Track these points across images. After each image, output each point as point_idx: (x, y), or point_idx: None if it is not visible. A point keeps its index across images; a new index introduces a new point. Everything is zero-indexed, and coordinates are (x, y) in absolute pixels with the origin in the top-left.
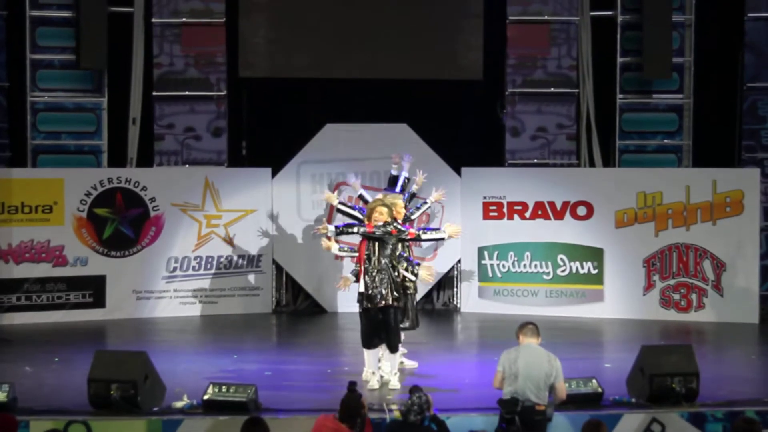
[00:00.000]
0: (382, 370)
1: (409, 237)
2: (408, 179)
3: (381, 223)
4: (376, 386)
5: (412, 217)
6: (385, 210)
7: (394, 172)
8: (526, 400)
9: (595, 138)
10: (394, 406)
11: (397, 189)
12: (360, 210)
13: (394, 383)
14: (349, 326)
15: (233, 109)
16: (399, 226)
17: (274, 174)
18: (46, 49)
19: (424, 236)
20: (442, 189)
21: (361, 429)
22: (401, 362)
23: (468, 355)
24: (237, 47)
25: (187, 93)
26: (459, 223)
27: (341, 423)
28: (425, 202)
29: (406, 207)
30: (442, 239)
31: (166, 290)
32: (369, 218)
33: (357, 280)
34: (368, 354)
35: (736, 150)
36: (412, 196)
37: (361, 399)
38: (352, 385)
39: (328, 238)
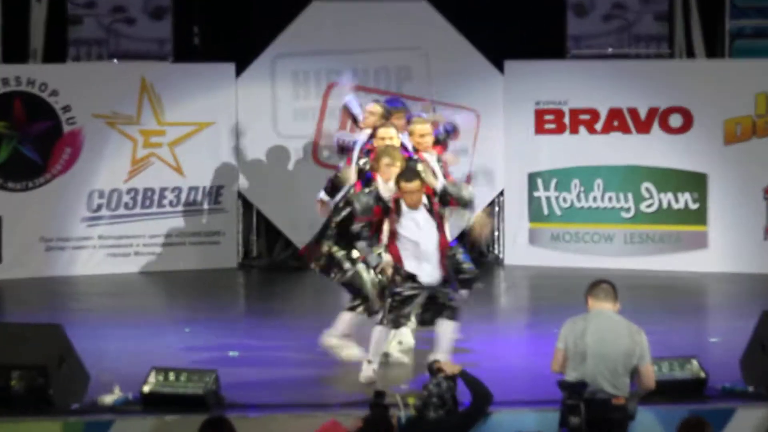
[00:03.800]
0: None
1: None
2: None
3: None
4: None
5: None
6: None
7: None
8: (599, 390)
9: (696, 16)
10: (411, 400)
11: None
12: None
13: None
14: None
15: None
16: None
17: (239, 72)
18: None
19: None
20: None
21: None
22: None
23: (514, 326)
24: None
25: None
26: (501, 140)
27: None
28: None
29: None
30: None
31: (87, 237)
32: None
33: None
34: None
35: None
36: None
37: (390, 416)
38: (379, 397)
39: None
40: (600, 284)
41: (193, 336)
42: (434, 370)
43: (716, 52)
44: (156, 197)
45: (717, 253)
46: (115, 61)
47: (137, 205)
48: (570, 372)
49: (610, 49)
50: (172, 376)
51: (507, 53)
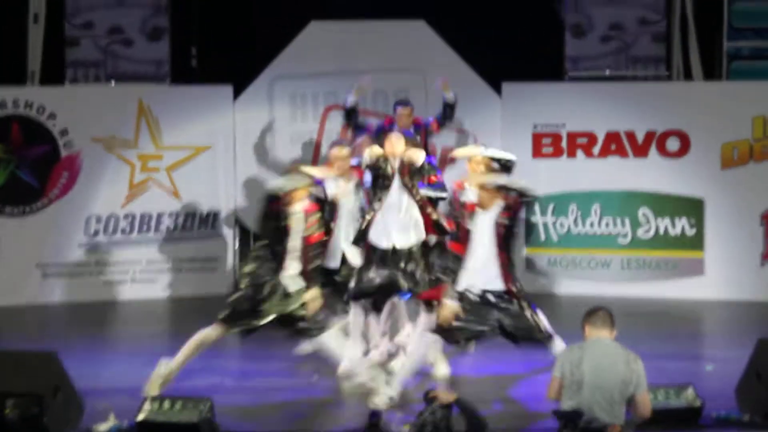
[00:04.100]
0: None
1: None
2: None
3: None
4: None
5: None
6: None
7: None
8: (594, 419)
9: (693, 38)
10: (405, 428)
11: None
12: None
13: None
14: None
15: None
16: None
17: (236, 94)
18: None
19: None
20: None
21: None
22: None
23: (507, 354)
24: None
25: None
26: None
27: None
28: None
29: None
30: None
31: (84, 264)
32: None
33: None
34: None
35: None
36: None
37: None
38: (375, 419)
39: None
40: (597, 312)
41: (188, 364)
42: (430, 398)
43: (714, 73)
44: (153, 223)
45: (713, 280)
46: (112, 83)
47: (134, 231)
48: (566, 401)
49: (607, 71)
50: (166, 404)
51: (505, 75)
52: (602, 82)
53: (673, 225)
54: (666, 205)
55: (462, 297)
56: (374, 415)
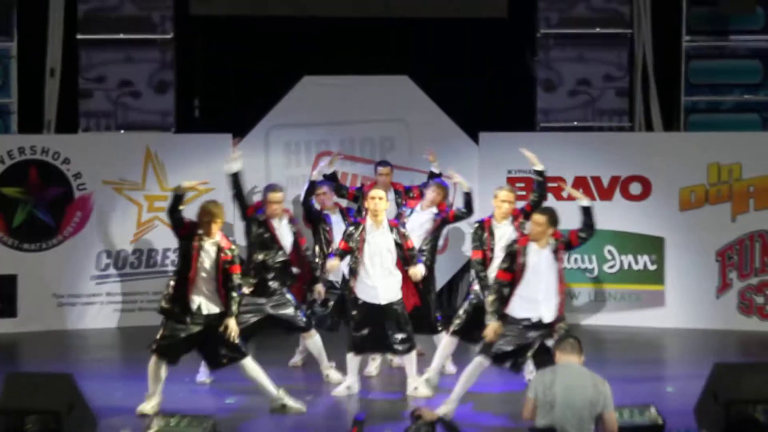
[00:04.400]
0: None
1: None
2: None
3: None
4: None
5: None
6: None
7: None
8: None
9: (654, 93)
10: None
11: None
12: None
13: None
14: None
15: (183, 56)
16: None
17: None
18: None
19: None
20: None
21: None
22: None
23: (485, 377)
24: None
25: (121, 36)
26: (477, 206)
27: None
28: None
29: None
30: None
31: (96, 294)
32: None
33: None
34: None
35: None
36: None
37: None
38: (358, 423)
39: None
40: (566, 339)
41: (193, 384)
42: (415, 416)
43: (672, 125)
44: (159, 258)
45: (673, 311)
46: (122, 131)
47: (142, 265)
48: (539, 419)
49: (575, 122)
50: (173, 421)
51: (482, 125)
52: (571, 132)
53: (636, 261)
54: (629, 243)
55: (507, 320)
56: (357, 420)
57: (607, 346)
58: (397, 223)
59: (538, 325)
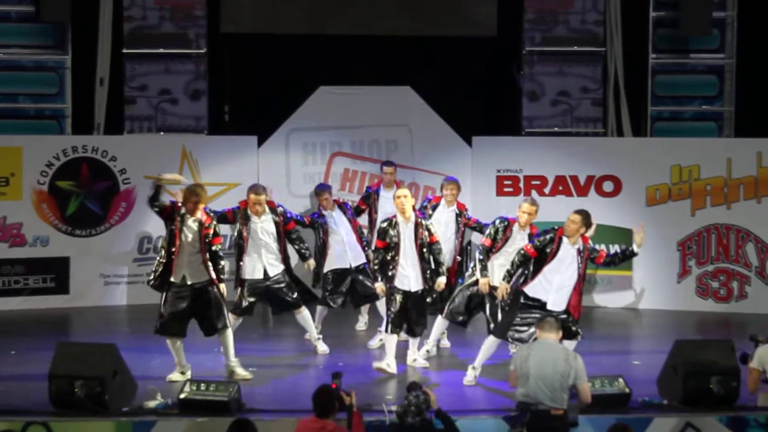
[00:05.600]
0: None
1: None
2: None
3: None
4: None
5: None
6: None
7: None
8: (539, 403)
9: (624, 104)
10: (394, 407)
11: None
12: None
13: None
14: (341, 316)
15: (214, 68)
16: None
17: (260, 143)
18: (2, 0)
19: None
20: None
21: (349, 424)
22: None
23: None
24: None
25: (161, 50)
26: (469, 200)
27: (322, 419)
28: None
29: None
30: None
31: (138, 274)
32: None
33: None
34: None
35: None
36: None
37: (337, 391)
38: (335, 377)
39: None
40: (546, 319)
41: (221, 355)
42: (417, 386)
43: (640, 131)
44: None
45: (640, 294)
46: (161, 133)
47: None
48: (519, 389)
49: (556, 128)
50: (203, 386)
51: (474, 131)
52: (552, 137)
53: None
54: (603, 234)
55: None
56: (335, 375)
57: (582, 324)
58: (423, 216)
59: (544, 307)
